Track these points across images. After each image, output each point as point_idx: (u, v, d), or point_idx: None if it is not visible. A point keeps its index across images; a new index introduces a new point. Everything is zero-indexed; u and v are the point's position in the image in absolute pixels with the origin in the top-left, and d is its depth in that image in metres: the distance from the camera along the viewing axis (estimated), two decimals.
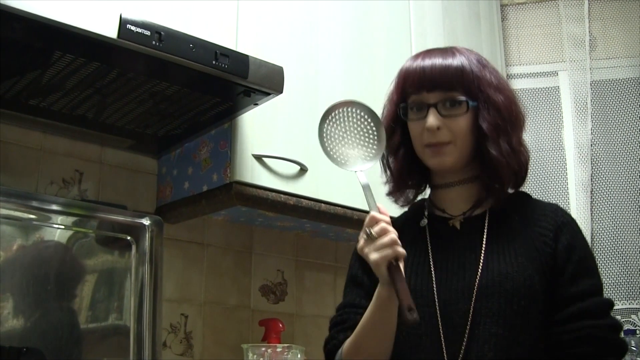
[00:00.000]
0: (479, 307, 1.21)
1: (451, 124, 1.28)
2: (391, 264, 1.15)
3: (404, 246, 1.35)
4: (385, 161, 1.41)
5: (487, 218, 1.32)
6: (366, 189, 1.22)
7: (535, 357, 1.20)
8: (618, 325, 1.23)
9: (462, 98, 1.28)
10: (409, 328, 1.23)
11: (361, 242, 1.20)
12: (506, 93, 1.32)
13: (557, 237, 1.26)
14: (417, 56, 1.35)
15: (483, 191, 1.33)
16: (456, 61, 1.30)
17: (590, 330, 1.18)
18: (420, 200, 1.45)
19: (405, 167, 1.38)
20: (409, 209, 1.46)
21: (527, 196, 1.38)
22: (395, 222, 1.46)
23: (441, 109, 1.28)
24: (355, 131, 1.27)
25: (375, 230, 1.17)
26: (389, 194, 1.42)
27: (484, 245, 1.28)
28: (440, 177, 1.37)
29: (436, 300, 1.25)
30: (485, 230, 1.30)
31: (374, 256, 1.16)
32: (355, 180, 1.23)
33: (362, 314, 1.28)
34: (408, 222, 1.42)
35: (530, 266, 1.22)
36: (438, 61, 1.30)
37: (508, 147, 1.29)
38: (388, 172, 1.41)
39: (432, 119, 1.27)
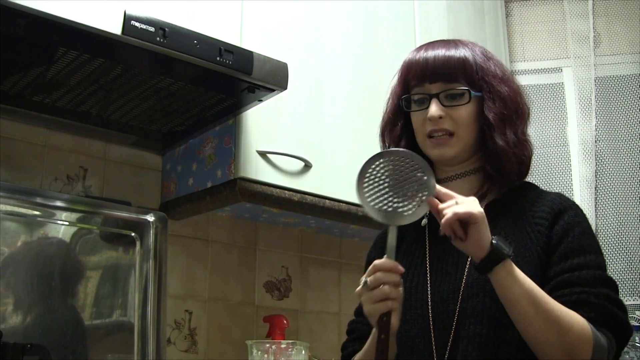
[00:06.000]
0: (465, 307, 1.19)
1: (453, 114, 1.27)
2: (382, 317, 1.11)
3: (406, 247, 1.34)
4: None
5: None
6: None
7: (525, 357, 1.14)
8: (618, 301, 1.17)
9: (464, 88, 1.27)
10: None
11: (359, 287, 1.15)
12: (511, 85, 1.32)
13: (554, 222, 1.21)
14: (420, 48, 1.34)
15: (485, 183, 1.31)
16: (459, 52, 1.30)
17: (579, 296, 1.12)
18: None
19: None
20: None
21: (532, 187, 1.35)
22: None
23: (443, 99, 1.27)
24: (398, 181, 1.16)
25: (370, 279, 1.12)
26: None
27: None
28: (442, 171, 1.35)
29: (429, 301, 1.24)
30: None
31: (366, 307, 1.13)
32: None
33: (368, 324, 1.26)
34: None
35: (521, 261, 1.16)
36: (441, 52, 1.30)
37: (514, 137, 1.27)
38: None
39: (434, 109, 1.27)
